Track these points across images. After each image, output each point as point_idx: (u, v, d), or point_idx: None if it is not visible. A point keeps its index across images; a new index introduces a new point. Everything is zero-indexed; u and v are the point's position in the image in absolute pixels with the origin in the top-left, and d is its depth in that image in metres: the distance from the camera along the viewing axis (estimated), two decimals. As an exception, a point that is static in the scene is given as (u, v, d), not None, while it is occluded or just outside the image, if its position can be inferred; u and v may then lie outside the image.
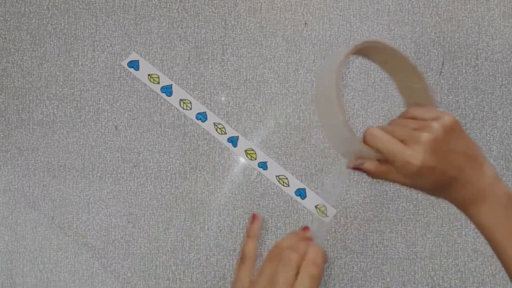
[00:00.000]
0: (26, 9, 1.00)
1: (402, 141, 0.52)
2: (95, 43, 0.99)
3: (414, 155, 0.50)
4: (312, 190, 0.93)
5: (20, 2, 1.00)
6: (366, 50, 0.57)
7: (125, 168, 0.96)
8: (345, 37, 0.96)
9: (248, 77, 0.96)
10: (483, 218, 0.55)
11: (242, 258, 0.62)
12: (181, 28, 0.98)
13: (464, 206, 0.55)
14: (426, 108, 0.56)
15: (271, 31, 0.97)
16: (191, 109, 0.96)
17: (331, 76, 0.51)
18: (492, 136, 0.92)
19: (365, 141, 0.53)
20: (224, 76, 0.97)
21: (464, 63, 0.94)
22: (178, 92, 0.96)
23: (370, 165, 0.55)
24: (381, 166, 0.54)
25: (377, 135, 0.52)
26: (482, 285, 0.92)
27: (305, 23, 0.96)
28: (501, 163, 0.92)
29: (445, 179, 0.53)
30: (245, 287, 0.58)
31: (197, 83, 0.97)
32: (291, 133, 0.95)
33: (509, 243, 0.54)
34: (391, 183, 0.56)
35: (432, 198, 0.92)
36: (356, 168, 0.56)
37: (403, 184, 0.55)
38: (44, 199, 0.96)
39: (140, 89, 0.97)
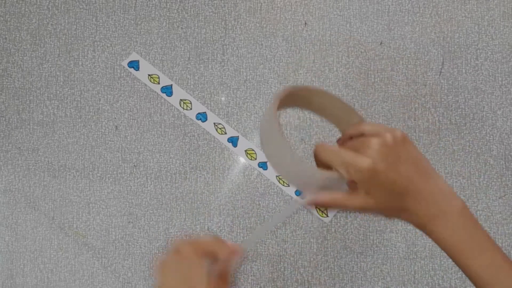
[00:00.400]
0: (26, 9, 1.00)
1: (354, 151, 0.52)
2: (95, 43, 0.99)
3: (364, 159, 0.50)
4: (312, 190, 0.93)
5: (20, 2, 1.00)
6: (294, 98, 0.58)
7: (125, 168, 0.96)
8: (345, 37, 0.96)
9: (248, 77, 0.96)
10: (442, 235, 0.54)
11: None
12: (181, 28, 0.98)
13: (422, 223, 0.54)
14: (376, 123, 0.56)
15: (271, 31, 0.97)
16: (191, 109, 0.96)
17: (271, 120, 0.52)
18: (492, 136, 0.92)
19: (316, 157, 0.53)
20: (224, 76, 0.97)
21: (464, 63, 0.94)
22: (178, 92, 0.96)
23: (323, 197, 0.55)
24: (335, 194, 0.54)
25: (327, 148, 0.53)
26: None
27: (305, 23, 0.96)
28: (501, 163, 0.92)
29: (396, 189, 0.52)
30: None
31: (197, 83, 0.97)
32: (291, 133, 0.95)
33: (471, 256, 0.53)
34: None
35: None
36: (312, 203, 0.55)
37: (358, 207, 0.54)
38: (44, 199, 0.96)
39: (140, 89, 0.97)
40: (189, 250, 0.51)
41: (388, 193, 0.52)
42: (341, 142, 0.58)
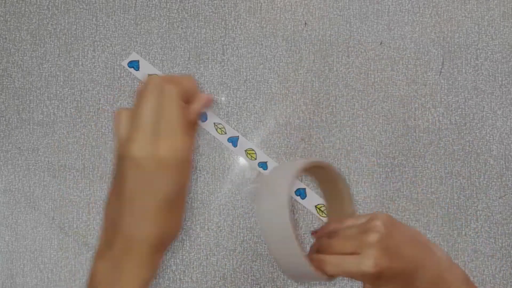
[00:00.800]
0: (26, 9, 1.00)
1: (353, 252, 0.51)
2: (95, 43, 0.99)
3: (367, 263, 0.50)
4: (312, 190, 0.93)
5: (20, 2, 1.00)
6: (312, 170, 0.56)
7: (125, 168, 0.96)
8: (345, 37, 0.96)
9: (248, 77, 0.96)
10: None
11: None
12: (181, 28, 0.98)
13: None
14: (355, 216, 0.56)
15: (271, 31, 0.97)
16: (191, 109, 0.96)
17: (284, 211, 0.47)
18: (492, 136, 0.92)
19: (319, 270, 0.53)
20: (224, 76, 0.97)
21: (464, 63, 0.94)
22: (178, 92, 0.96)
23: (323, 273, 0.53)
24: (335, 267, 0.52)
25: (327, 262, 0.52)
26: (482, 285, 0.92)
27: (305, 23, 0.96)
28: (501, 163, 0.92)
29: (406, 273, 0.52)
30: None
31: (197, 83, 0.97)
32: (291, 133, 0.95)
33: None
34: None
35: (432, 197, 0.92)
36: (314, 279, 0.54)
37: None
38: (44, 199, 0.96)
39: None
40: (170, 87, 0.46)
41: (400, 281, 0.52)
42: (326, 234, 0.56)
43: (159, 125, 0.44)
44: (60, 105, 0.98)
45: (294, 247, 0.48)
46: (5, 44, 1.00)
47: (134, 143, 0.43)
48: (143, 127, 0.44)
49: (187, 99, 0.48)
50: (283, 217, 0.47)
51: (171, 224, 0.45)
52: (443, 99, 0.93)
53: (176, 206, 0.44)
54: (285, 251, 0.49)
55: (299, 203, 0.93)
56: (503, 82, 0.93)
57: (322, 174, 0.58)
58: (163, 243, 0.46)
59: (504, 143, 0.92)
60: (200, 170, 0.95)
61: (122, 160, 0.45)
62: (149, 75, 0.49)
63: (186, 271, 0.94)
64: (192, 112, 0.48)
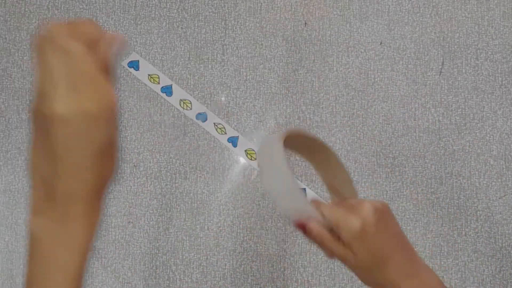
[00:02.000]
0: (26, 9, 1.00)
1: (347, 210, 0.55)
2: (95, 43, 0.99)
3: (355, 219, 0.53)
4: (312, 190, 0.93)
5: (20, 2, 1.00)
6: (293, 141, 0.59)
7: (125, 168, 0.96)
8: (345, 37, 0.96)
9: (248, 77, 0.96)
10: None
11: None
12: (181, 28, 0.98)
13: (396, 283, 0.56)
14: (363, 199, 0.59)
15: (271, 31, 0.97)
16: (191, 109, 0.96)
17: (277, 145, 0.53)
18: (492, 136, 0.92)
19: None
20: (224, 76, 0.97)
21: (464, 63, 0.94)
22: (178, 92, 0.96)
23: (314, 224, 0.56)
24: (323, 231, 0.56)
25: (322, 204, 0.56)
26: (482, 285, 0.92)
27: (305, 23, 0.96)
28: (501, 163, 0.92)
29: (379, 255, 0.55)
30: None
31: (197, 83, 0.97)
32: (291, 133, 0.95)
33: None
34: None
35: (432, 197, 0.92)
36: (299, 225, 0.57)
37: (339, 256, 0.57)
38: (44, 199, 0.96)
39: (140, 89, 0.97)
40: (73, 43, 0.43)
41: (371, 256, 0.55)
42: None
43: (74, 79, 0.43)
44: (60, 105, 0.98)
45: (286, 173, 0.52)
46: (5, 44, 1.00)
47: (55, 101, 0.42)
48: (58, 84, 0.43)
49: (93, 44, 0.46)
50: (278, 149, 0.53)
51: (107, 170, 0.46)
52: (443, 99, 0.93)
53: (110, 151, 0.45)
54: (277, 180, 0.54)
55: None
56: (503, 82, 0.93)
57: (314, 154, 0.61)
58: (102, 188, 0.47)
59: (504, 143, 0.92)
60: (200, 170, 0.95)
61: (45, 119, 0.44)
62: (48, 28, 0.44)
63: (186, 271, 0.94)
64: (101, 57, 0.47)
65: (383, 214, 0.55)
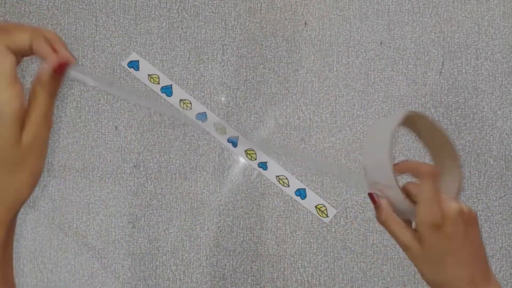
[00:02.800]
0: (26, 9, 1.00)
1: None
2: (95, 43, 0.99)
3: (440, 210, 0.51)
4: (312, 190, 0.93)
5: (20, 2, 1.00)
6: (413, 120, 0.61)
7: (125, 168, 0.96)
8: (345, 37, 0.96)
9: (248, 77, 0.96)
10: None
11: None
12: (181, 28, 0.98)
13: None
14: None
15: (271, 31, 0.97)
16: (191, 109, 0.96)
17: (393, 120, 0.56)
18: (492, 136, 0.92)
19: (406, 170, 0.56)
20: (224, 76, 0.97)
21: (464, 63, 0.94)
22: (178, 92, 0.96)
23: (385, 203, 0.56)
24: (392, 213, 0.55)
25: (416, 184, 0.55)
26: (482, 285, 0.91)
27: (305, 23, 0.96)
28: (501, 163, 0.92)
29: (450, 256, 0.54)
30: None
31: (197, 83, 0.97)
32: (291, 133, 0.95)
33: None
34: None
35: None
36: (371, 197, 0.57)
37: (403, 243, 0.55)
38: (44, 199, 0.96)
39: (140, 89, 0.97)
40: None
41: (439, 253, 0.53)
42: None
43: None
44: (60, 105, 0.98)
45: (388, 142, 0.55)
46: (5, 44, 1.00)
47: None
48: None
49: (23, 49, 0.45)
50: (390, 123, 0.56)
51: (15, 187, 0.41)
52: (443, 99, 0.93)
53: (18, 165, 0.41)
54: (378, 151, 0.56)
55: (299, 203, 0.93)
56: (503, 82, 0.93)
57: (420, 125, 0.62)
58: (11, 208, 0.42)
59: (504, 143, 0.92)
60: (200, 170, 0.95)
61: None
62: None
63: (186, 271, 0.94)
64: (41, 72, 0.45)
65: (469, 220, 0.53)
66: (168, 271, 0.94)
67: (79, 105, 0.98)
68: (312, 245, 0.92)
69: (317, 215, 0.92)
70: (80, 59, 0.99)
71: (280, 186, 0.93)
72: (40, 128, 0.43)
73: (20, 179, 0.41)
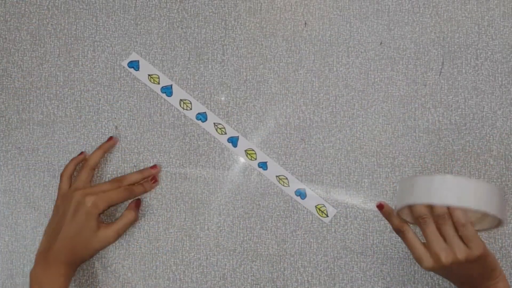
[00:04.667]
0: (26, 9, 1.00)
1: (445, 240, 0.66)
2: (95, 43, 0.99)
3: (432, 257, 0.66)
4: (312, 190, 0.93)
5: (20, 2, 1.00)
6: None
7: (125, 169, 0.96)
8: (345, 37, 0.96)
9: (248, 77, 0.96)
10: None
11: (85, 162, 0.91)
12: (181, 28, 0.98)
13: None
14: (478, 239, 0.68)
15: (271, 31, 0.97)
16: (191, 109, 0.96)
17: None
18: (492, 136, 0.92)
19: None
20: (224, 76, 0.97)
21: (464, 63, 0.94)
22: (178, 92, 0.96)
23: (395, 219, 0.70)
24: (412, 232, 0.68)
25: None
26: (482, 285, 0.91)
27: (305, 23, 0.96)
28: (501, 163, 0.92)
29: (452, 279, 0.74)
30: (80, 186, 0.86)
31: (197, 83, 0.97)
32: (291, 133, 0.95)
33: None
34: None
35: (432, 198, 0.92)
36: (380, 207, 0.71)
37: (416, 256, 0.67)
38: (44, 199, 0.96)
39: (140, 89, 0.97)
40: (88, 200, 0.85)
41: (443, 274, 0.72)
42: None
43: (75, 239, 0.83)
44: (60, 105, 0.98)
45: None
46: (5, 44, 1.00)
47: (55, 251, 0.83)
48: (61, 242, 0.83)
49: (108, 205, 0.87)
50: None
51: (88, 253, 0.86)
52: (443, 99, 0.93)
53: (91, 243, 0.85)
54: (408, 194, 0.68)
55: (299, 203, 0.93)
56: (503, 82, 0.93)
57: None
58: (74, 263, 0.84)
59: (504, 143, 0.92)
60: (200, 170, 0.95)
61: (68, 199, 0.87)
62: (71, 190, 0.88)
63: (186, 271, 0.94)
64: (113, 227, 0.88)
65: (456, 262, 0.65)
66: (168, 271, 0.94)
67: (79, 105, 0.98)
68: (312, 245, 0.92)
69: (317, 215, 0.92)
70: (80, 59, 0.99)
71: (280, 186, 0.93)
72: (113, 234, 0.86)
73: (92, 248, 0.86)
